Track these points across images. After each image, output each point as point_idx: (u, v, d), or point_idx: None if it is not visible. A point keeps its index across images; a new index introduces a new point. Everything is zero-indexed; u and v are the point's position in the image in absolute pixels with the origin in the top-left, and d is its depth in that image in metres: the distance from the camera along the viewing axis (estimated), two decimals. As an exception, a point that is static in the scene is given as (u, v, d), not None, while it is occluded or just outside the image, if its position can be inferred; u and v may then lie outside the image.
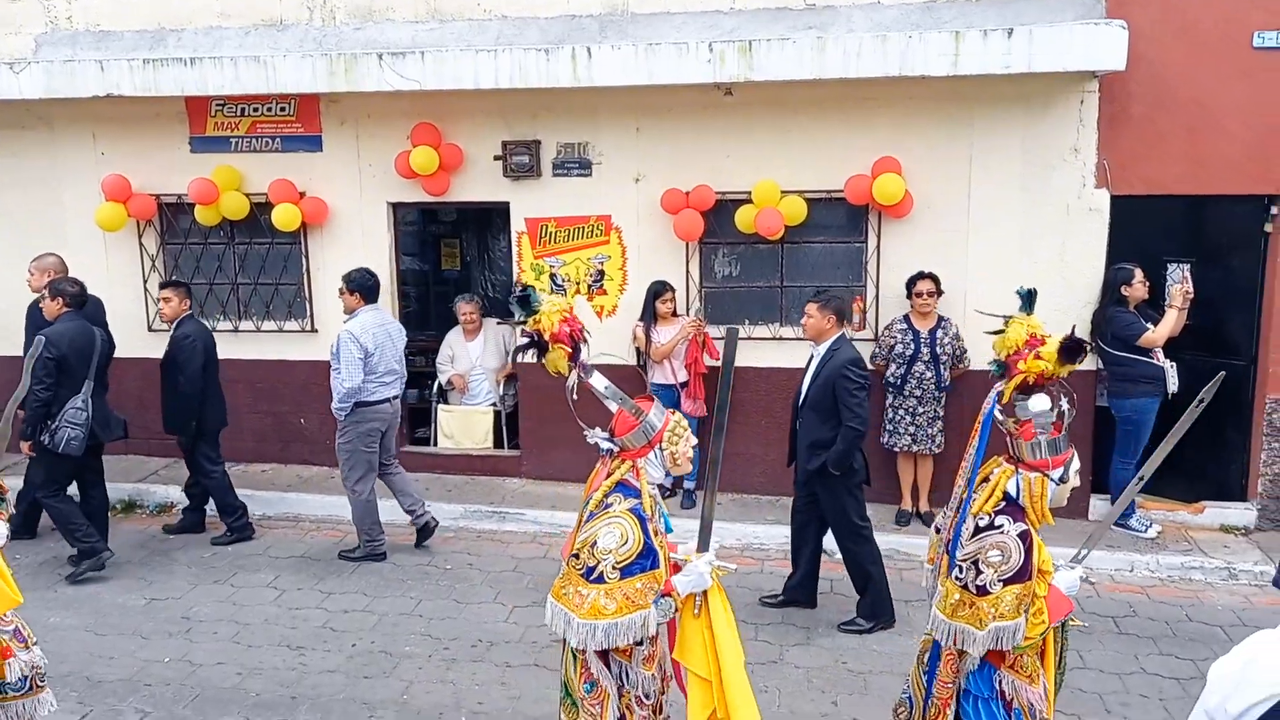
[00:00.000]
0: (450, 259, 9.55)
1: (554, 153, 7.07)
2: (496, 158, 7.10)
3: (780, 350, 6.98)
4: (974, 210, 6.60)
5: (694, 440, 3.30)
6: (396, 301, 7.60)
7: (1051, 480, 3.32)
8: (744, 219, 6.69)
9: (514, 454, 7.62)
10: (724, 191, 6.79)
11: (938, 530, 3.64)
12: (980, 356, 6.57)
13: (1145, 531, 6.44)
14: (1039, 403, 3.35)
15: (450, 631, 5.42)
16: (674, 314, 6.83)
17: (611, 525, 3.06)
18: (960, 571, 3.30)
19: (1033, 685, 3.31)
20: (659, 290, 6.76)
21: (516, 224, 7.23)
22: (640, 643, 3.09)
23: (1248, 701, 1.94)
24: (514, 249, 7.29)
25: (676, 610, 3.11)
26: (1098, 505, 6.72)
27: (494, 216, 8.64)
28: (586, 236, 7.12)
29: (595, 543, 3.06)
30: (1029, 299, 3.55)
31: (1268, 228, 6.44)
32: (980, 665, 3.31)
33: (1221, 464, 6.79)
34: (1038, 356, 3.35)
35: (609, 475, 3.20)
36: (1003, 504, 3.32)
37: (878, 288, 6.80)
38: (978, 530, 3.31)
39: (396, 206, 7.54)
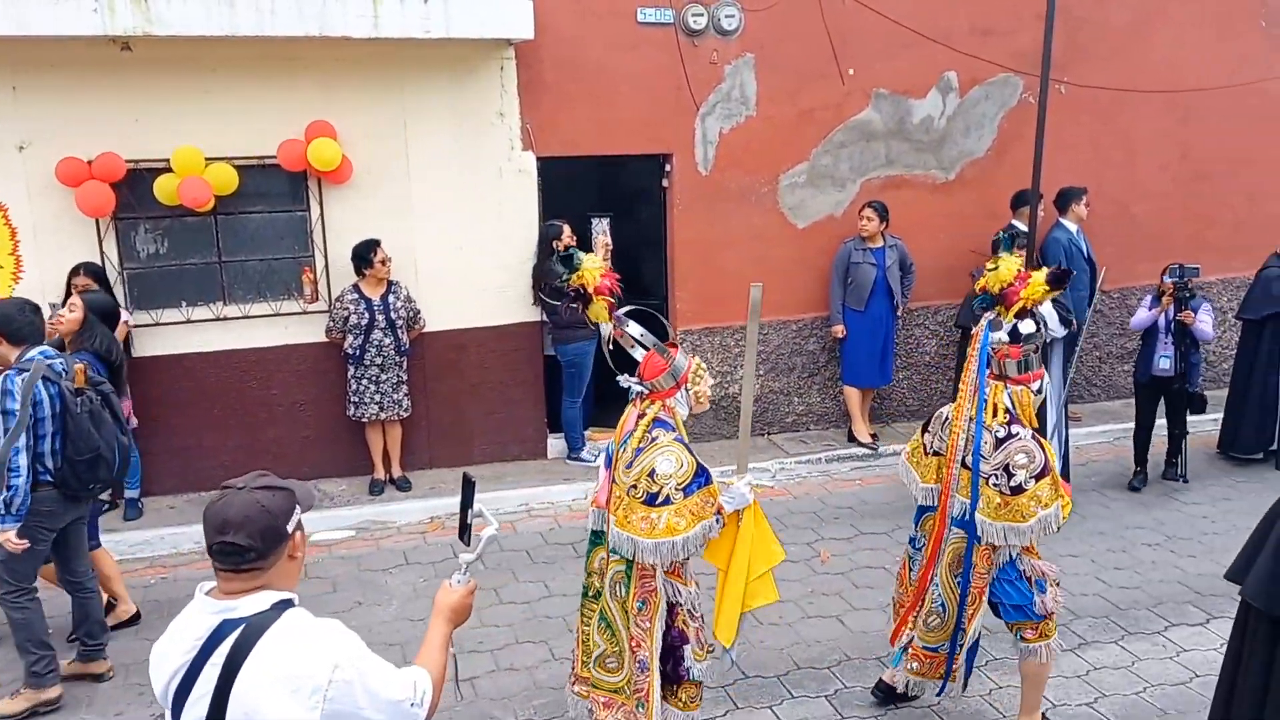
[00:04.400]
0: None
1: (-104, 115, 5.70)
2: None
3: (227, 331, 6.46)
4: (414, 174, 6.66)
5: (711, 380, 3.55)
6: None
7: (1033, 391, 3.87)
8: (165, 190, 6.00)
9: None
10: (137, 160, 6.02)
11: (937, 453, 4.03)
12: (435, 318, 6.76)
13: (595, 461, 7.15)
14: (1028, 325, 3.92)
15: None
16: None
17: (665, 453, 3.30)
18: (995, 479, 3.76)
19: (1038, 559, 3.91)
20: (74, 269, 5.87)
21: None
22: (686, 561, 3.44)
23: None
24: None
25: (724, 524, 3.43)
26: (553, 444, 7.32)
27: None
28: (-41, 217, 5.88)
29: (654, 471, 3.28)
30: (1012, 240, 4.16)
31: (665, 183, 7.42)
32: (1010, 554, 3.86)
33: (651, 391, 7.76)
34: (1026, 284, 3.90)
35: (641, 416, 3.43)
36: (1008, 416, 3.82)
37: (326, 257, 6.58)
38: (998, 442, 3.79)
39: None
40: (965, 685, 4.26)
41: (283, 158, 6.23)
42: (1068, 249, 7.53)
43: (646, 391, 3.48)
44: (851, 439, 7.61)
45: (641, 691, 3.44)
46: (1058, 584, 3.98)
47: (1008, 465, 3.76)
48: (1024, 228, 6.60)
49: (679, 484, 3.28)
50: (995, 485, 3.76)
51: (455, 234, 6.82)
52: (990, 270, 4.02)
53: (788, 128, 7.35)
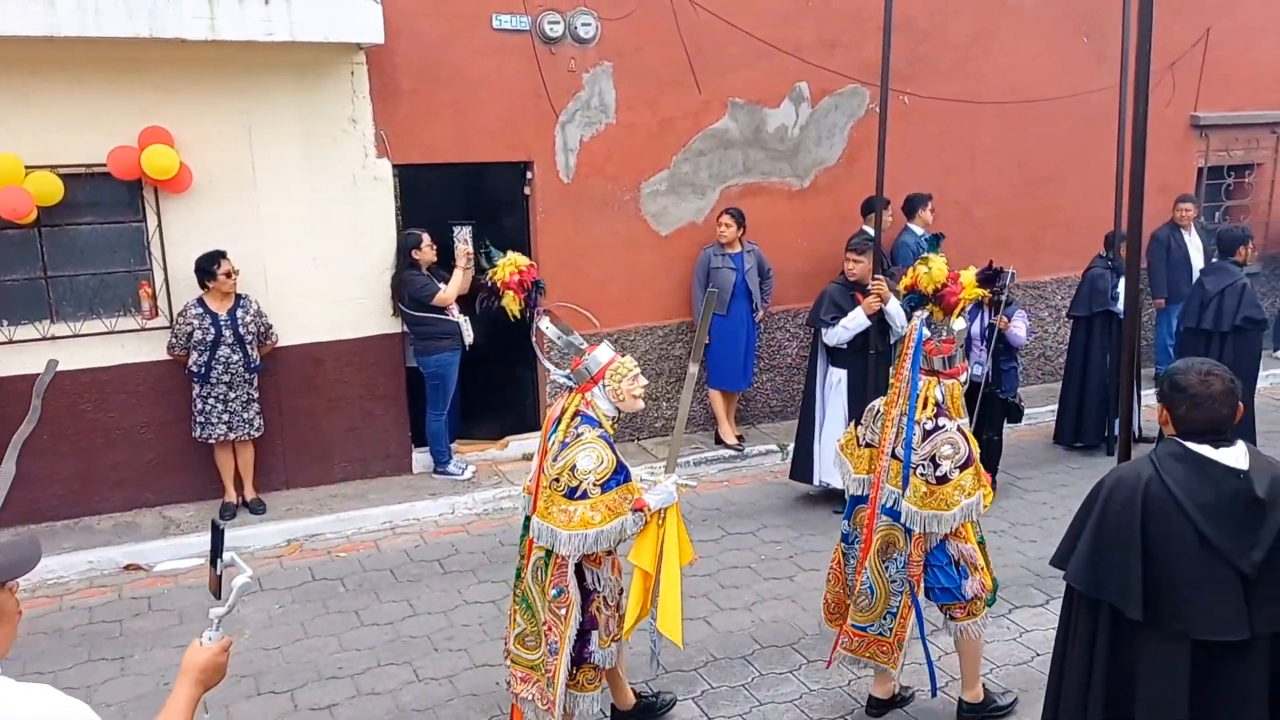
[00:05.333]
0: None
1: None
2: None
3: (56, 351, 5.99)
4: (261, 183, 6.39)
5: (643, 381, 3.65)
6: None
7: (961, 384, 4.08)
8: (-20, 201, 5.58)
9: None
10: (-53, 168, 5.58)
11: (869, 445, 4.13)
12: (289, 332, 6.51)
13: (462, 474, 7.03)
14: (960, 323, 4.14)
15: None
16: None
17: (587, 450, 3.45)
18: (923, 469, 3.90)
19: (966, 544, 4.03)
20: None
21: None
22: (610, 552, 3.59)
23: None
24: None
25: (647, 521, 3.57)
26: (419, 459, 7.15)
27: None
28: None
29: (575, 466, 3.45)
30: (936, 242, 4.24)
31: (527, 190, 7.35)
32: (938, 540, 3.99)
33: (517, 400, 7.70)
34: (961, 284, 4.14)
35: (564, 409, 3.62)
36: (936, 409, 3.97)
37: (166, 270, 6.24)
38: (926, 434, 3.93)
39: None
40: (934, 691, 4.24)
41: (114, 166, 5.88)
42: (916, 251, 7.85)
43: (573, 384, 3.65)
44: (718, 441, 7.73)
45: (550, 673, 3.63)
46: (978, 570, 4.10)
47: (934, 456, 3.91)
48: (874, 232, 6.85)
49: (597, 480, 3.44)
50: (922, 475, 3.92)
51: (308, 244, 6.58)
52: (924, 273, 4.15)
53: (648, 136, 7.42)
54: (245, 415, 6.24)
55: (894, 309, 6.18)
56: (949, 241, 8.14)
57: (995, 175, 8.72)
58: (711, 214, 7.65)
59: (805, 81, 7.82)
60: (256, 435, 6.35)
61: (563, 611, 3.58)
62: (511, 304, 3.75)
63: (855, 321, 6.26)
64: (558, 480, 3.48)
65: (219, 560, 2.35)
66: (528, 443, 7.56)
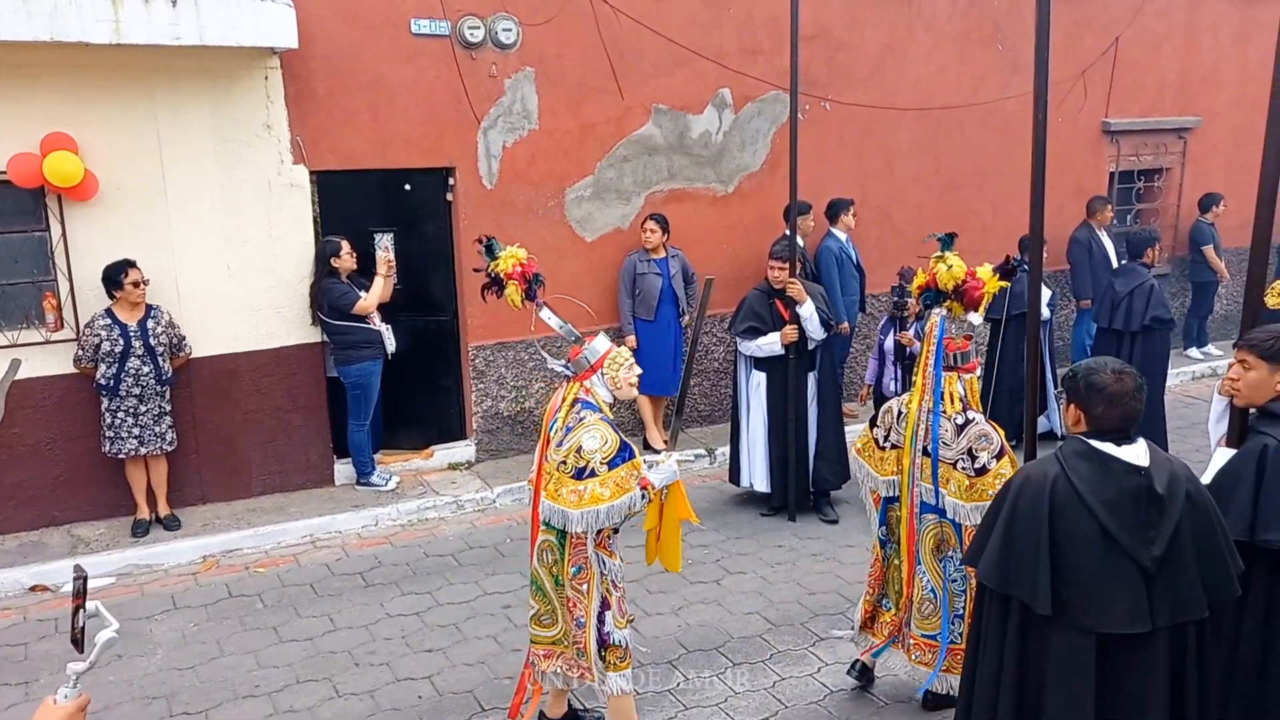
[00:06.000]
0: None
1: None
2: None
3: (-47, 366, 5.79)
4: (171, 190, 6.20)
5: (638, 370, 3.85)
6: None
7: (978, 378, 4.17)
8: None
9: None
10: None
11: (895, 446, 4.19)
12: (203, 343, 6.33)
13: (386, 485, 6.90)
14: (977, 318, 4.25)
15: None
16: None
17: (591, 431, 3.62)
18: (962, 463, 3.98)
19: None
20: None
21: None
22: (616, 530, 3.73)
23: None
24: None
25: (650, 499, 3.70)
26: (341, 470, 7.00)
27: None
28: None
29: (580, 447, 3.60)
30: (950, 240, 4.32)
31: (449, 197, 7.27)
32: None
33: (442, 409, 7.60)
34: (981, 279, 4.16)
35: (565, 397, 3.79)
36: (962, 403, 4.05)
37: (72, 281, 6.01)
38: (959, 428, 4.01)
39: None
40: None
41: (14, 173, 5.66)
42: (839, 256, 7.98)
43: (571, 373, 3.83)
44: (646, 446, 7.72)
45: (580, 643, 3.82)
46: None
47: (971, 449, 4.01)
48: (799, 239, 6.93)
49: (604, 458, 3.59)
50: (962, 469, 4.01)
51: (222, 253, 6.41)
52: (943, 271, 4.20)
53: (571, 141, 7.39)
54: (157, 429, 6.05)
55: (808, 312, 6.27)
56: (868, 245, 8.30)
57: (913, 180, 8.88)
58: (636, 220, 7.66)
59: (728, 88, 7.87)
60: (169, 449, 6.16)
61: (584, 587, 3.74)
62: (514, 294, 3.88)
63: (769, 345, 6.35)
64: (565, 463, 3.63)
65: (81, 611, 2.16)
66: (453, 452, 7.48)
